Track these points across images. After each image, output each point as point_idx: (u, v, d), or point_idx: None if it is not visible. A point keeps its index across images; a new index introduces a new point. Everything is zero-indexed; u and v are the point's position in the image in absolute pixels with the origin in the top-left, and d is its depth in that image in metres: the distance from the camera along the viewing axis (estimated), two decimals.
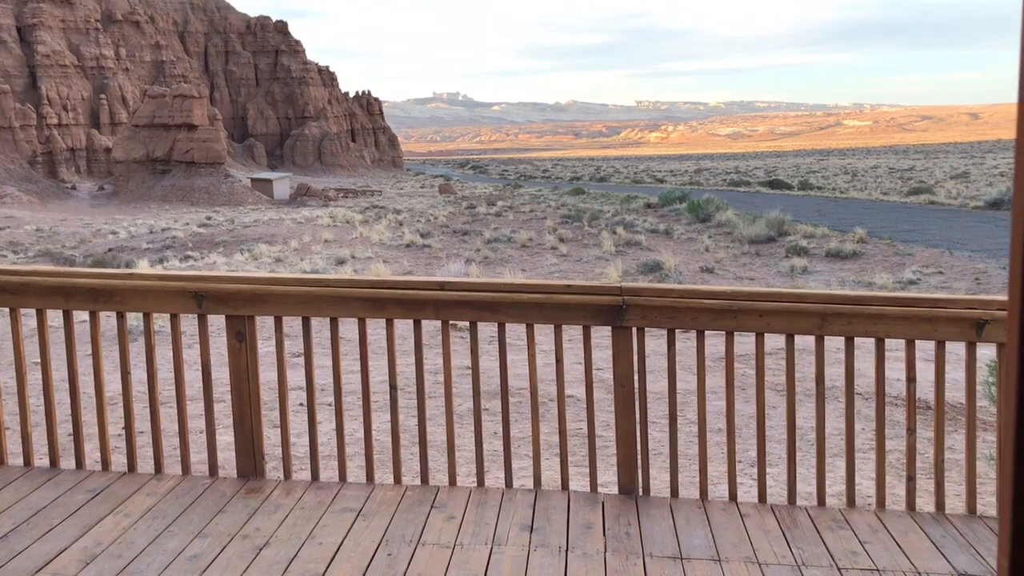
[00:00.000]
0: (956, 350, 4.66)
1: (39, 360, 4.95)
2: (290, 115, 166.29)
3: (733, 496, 4.67)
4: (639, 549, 4.10)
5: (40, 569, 3.85)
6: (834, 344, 4.81)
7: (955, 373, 4.73)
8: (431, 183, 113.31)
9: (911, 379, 4.53)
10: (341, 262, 21.79)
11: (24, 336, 5.06)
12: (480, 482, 4.86)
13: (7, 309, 4.99)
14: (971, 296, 4.66)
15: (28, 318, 5.05)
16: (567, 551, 4.07)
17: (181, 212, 69.64)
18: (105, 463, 5.01)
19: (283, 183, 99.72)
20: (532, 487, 4.83)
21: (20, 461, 5.08)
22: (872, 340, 4.56)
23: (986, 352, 5.06)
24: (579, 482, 5.04)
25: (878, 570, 3.95)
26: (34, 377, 5.10)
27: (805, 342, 4.67)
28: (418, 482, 4.90)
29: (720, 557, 4.01)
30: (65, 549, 4.02)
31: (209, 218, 54.32)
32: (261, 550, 4.06)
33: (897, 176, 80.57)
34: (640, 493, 4.71)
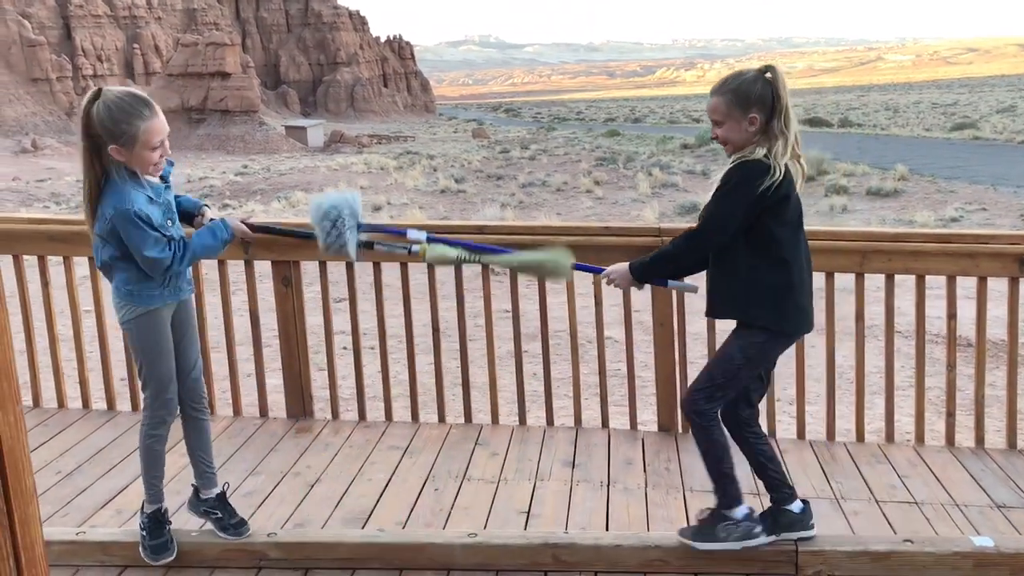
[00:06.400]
0: (998, 287, 4.62)
1: (92, 308, 5.10)
2: (322, 61, 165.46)
3: (772, 432, 4.72)
4: (679, 483, 4.19)
5: (104, 504, 4.04)
6: (874, 283, 4.81)
7: (997, 310, 4.70)
8: (464, 128, 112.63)
9: (952, 316, 4.53)
10: (377, 209, 21.89)
11: (77, 284, 5.21)
12: (522, 420, 4.96)
13: (60, 258, 5.13)
14: (1014, 231, 4.62)
15: (80, 266, 5.19)
16: (608, 486, 4.17)
17: (217, 161, 70.07)
18: None
19: (317, 130, 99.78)
20: (573, 425, 4.92)
21: (79, 404, 5.27)
22: (912, 278, 4.56)
23: None
24: (619, 420, 5.12)
25: (916, 503, 4.00)
26: (88, 323, 5.25)
27: (844, 281, 4.67)
28: (462, 421, 5.02)
29: (759, 491, 4.07)
30: (127, 486, 4.21)
31: (245, 166, 54.63)
32: (313, 486, 4.22)
33: (940, 111, 78.63)
34: (680, 430, 4.79)
